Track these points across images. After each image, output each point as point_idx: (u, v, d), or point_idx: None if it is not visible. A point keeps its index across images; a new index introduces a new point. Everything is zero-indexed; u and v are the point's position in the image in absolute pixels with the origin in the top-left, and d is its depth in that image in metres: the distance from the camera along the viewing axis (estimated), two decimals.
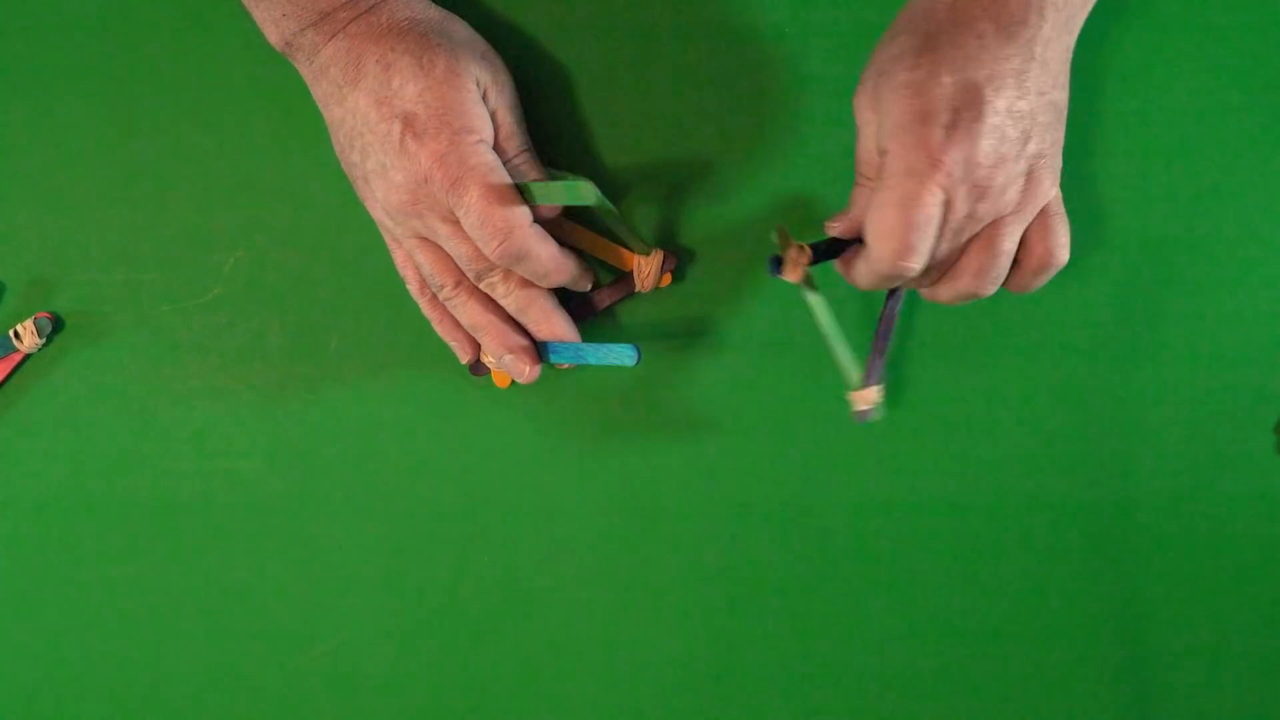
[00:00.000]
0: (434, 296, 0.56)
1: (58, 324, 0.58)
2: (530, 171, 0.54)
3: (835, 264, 0.55)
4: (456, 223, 0.51)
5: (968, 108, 0.47)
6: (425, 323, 0.58)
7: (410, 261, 0.55)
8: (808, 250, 0.51)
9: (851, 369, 0.54)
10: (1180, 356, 0.59)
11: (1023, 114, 0.48)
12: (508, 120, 0.53)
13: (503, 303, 0.54)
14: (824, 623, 0.59)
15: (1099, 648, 0.59)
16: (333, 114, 0.52)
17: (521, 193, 0.51)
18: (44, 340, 0.57)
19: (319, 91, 0.52)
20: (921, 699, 0.59)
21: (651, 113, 0.58)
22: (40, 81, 0.58)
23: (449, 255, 0.53)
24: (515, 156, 0.54)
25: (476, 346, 0.57)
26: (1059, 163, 0.51)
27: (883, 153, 0.49)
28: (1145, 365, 0.59)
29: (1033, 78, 0.49)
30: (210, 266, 0.58)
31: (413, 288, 0.56)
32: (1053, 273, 0.53)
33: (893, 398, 0.59)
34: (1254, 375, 0.59)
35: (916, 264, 0.48)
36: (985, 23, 0.48)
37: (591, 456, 0.59)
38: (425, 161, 0.49)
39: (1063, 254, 0.52)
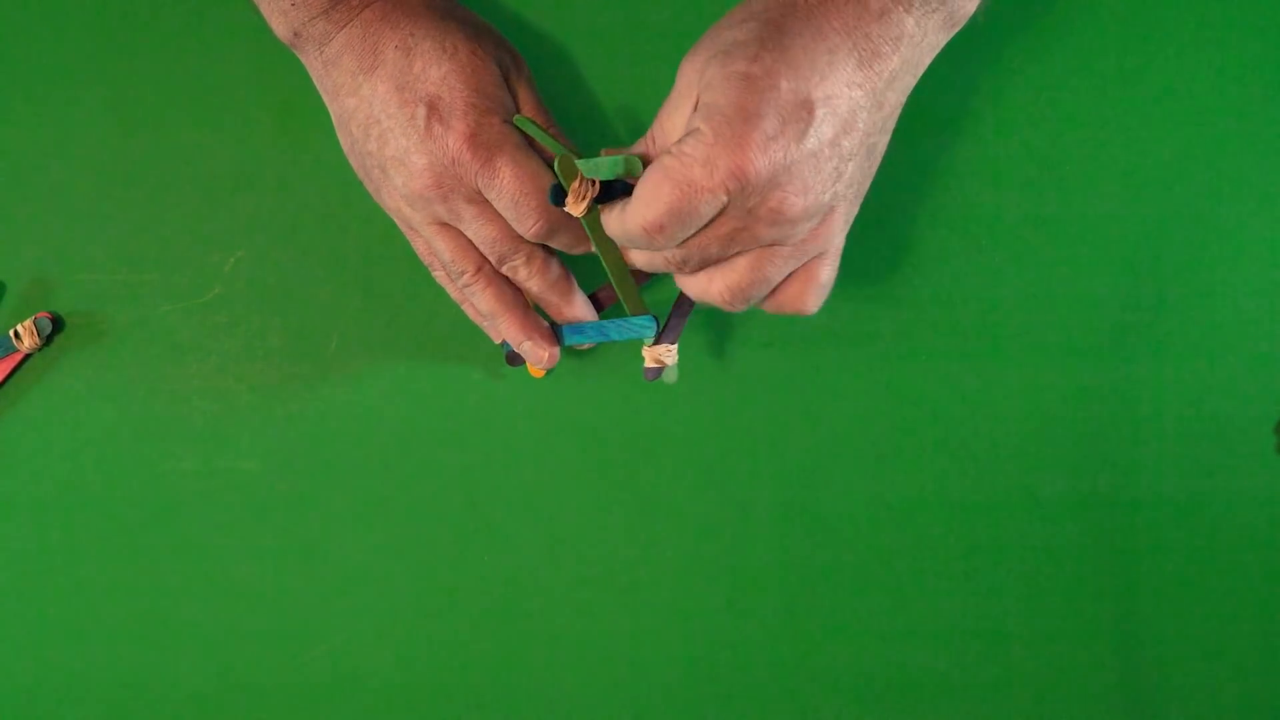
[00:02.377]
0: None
1: (58, 324, 0.58)
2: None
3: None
4: (482, 204, 0.51)
5: (794, 121, 0.43)
6: (425, 322, 0.58)
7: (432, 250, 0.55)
8: (596, 185, 0.49)
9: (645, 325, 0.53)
10: (1180, 356, 0.59)
11: (844, 151, 0.45)
12: (531, 100, 0.53)
13: (525, 286, 0.54)
14: (824, 622, 0.59)
15: (1099, 648, 0.59)
16: (345, 104, 0.52)
17: (561, 173, 0.50)
18: (44, 340, 0.57)
19: (328, 83, 0.52)
20: (921, 699, 0.59)
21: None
22: (40, 81, 0.58)
23: (468, 241, 0.53)
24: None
25: (514, 313, 0.55)
26: (855, 212, 0.49)
27: (692, 130, 0.44)
28: (1145, 365, 0.59)
29: (865, 116, 0.45)
30: (210, 266, 0.58)
31: (439, 274, 0.56)
32: (795, 314, 0.51)
33: (893, 397, 0.59)
34: (1254, 374, 0.59)
35: (662, 244, 0.46)
36: (841, 38, 0.44)
37: (591, 456, 0.59)
38: (453, 143, 0.49)
39: (814, 305, 0.50)
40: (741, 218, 0.45)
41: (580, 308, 0.55)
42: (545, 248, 0.53)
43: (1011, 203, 0.59)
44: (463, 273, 0.53)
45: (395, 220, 0.55)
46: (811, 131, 0.44)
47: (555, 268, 0.54)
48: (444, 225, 0.53)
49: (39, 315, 0.57)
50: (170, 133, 0.58)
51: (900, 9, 0.45)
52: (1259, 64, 0.58)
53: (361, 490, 0.58)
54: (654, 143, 0.49)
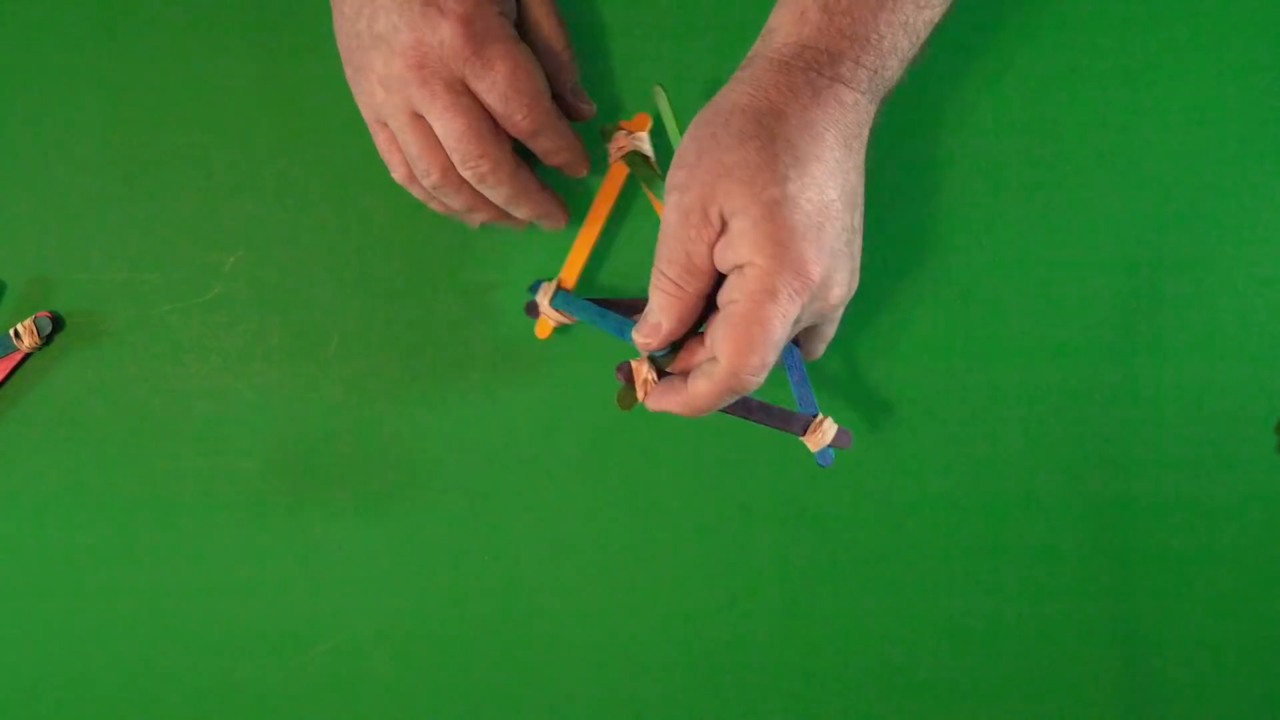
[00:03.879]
0: None
1: (58, 324, 0.58)
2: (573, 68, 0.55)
3: (657, 392, 0.51)
4: (458, 94, 0.50)
5: (827, 225, 0.46)
6: (425, 322, 0.58)
7: (395, 145, 0.53)
8: (653, 370, 0.51)
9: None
10: (1180, 356, 0.59)
11: (855, 226, 0.49)
12: (545, 6, 0.54)
13: (491, 193, 0.53)
14: (824, 622, 0.59)
15: (1099, 647, 0.59)
16: None
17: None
18: (44, 340, 0.57)
19: None
20: (921, 698, 0.59)
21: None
22: (40, 81, 0.58)
23: (438, 139, 0.52)
24: (562, 52, 0.54)
25: (489, 205, 0.55)
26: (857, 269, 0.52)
27: (743, 265, 0.46)
28: (1145, 364, 0.59)
29: (861, 190, 0.49)
30: (210, 266, 0.58)
31: (399, 173, 0.54)
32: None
33: (894, 397, 0.59)
34: (1254, 374, 0.59)
35: (762, 380, 0.47)
36: (832, 134, 0.47)
37: (592, 456, 0.59)
38: (447, 27, 0.49)
39: (820, 354, 0.55)
40: (803, 319, 0.48)
41: (553, 200, 0.55)
42: (514, 155, 0.52)
43: (1012, 203, 0.59)
44: (429, 172, 0.52)
45: (365, 113, 0.53)
46: (840, 226, 0.47)
47: (523, 172, 0.53)
48: (416, 117, 0.51)
49: (39, 315, 0.57)
50: (170, 133, 0.58)
51: (865, 98, 0.49)
52: (1259, 64, 0.58)
53: (361, 490, 0.58)
54: (687, 281, 0.48)
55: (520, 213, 0.54)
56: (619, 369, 0.52)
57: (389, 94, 0.51)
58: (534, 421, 0.59)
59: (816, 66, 0.48)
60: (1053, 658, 0.59)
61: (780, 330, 0.46)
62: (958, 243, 0.59)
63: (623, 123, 0.55)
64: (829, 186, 0.47)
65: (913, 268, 0.59)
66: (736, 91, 0.48)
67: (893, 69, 0.49)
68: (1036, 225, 0.59)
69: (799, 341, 0.54)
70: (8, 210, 0.58)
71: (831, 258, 0.47)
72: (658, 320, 0.49)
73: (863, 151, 0.49)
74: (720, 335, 0.46)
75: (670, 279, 0.48)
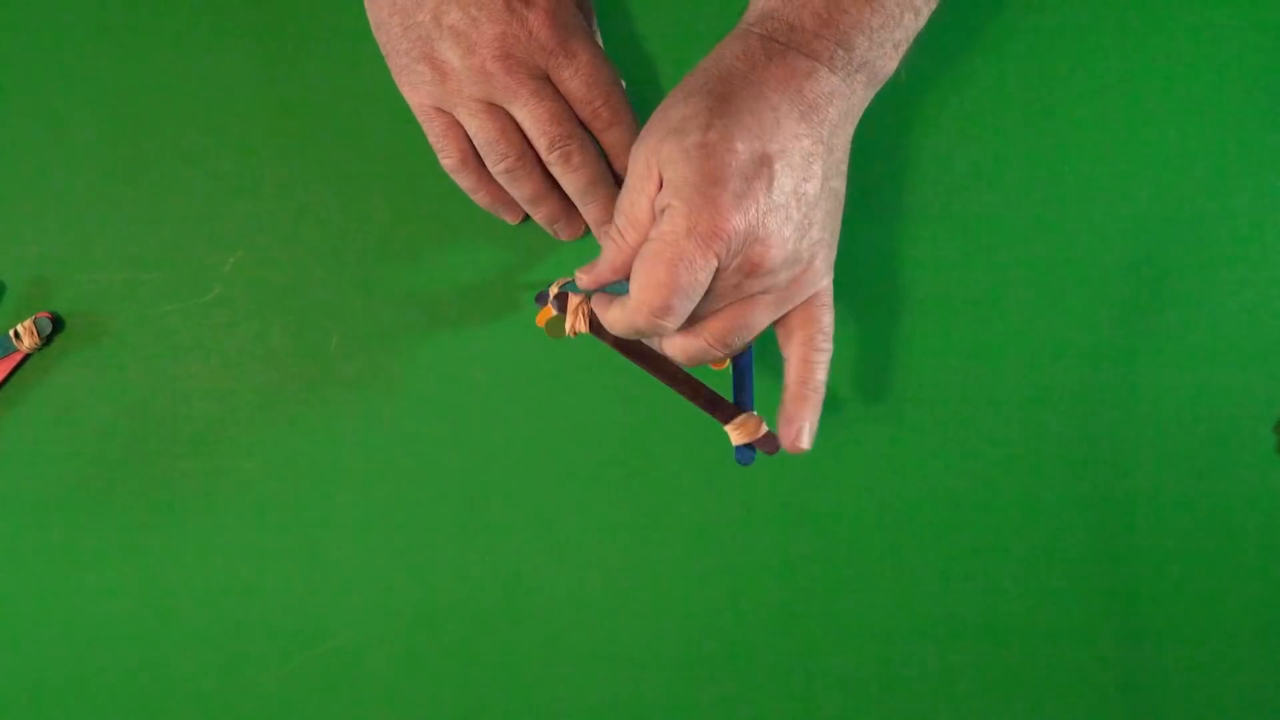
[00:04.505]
0: (478, 167, 0.55)
1: (58, 324, 0.58)
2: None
3: (593, 302, 0.53)
4: (542, 81, 0.52)
5: (757, 178, 0.46)
6: (425, 323, 0.58)
7: (453, 132, 0.54)
8: (586, 301, 0.53)
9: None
10: (1180, 356, 0.59)
11: (807, 197, 0.48)
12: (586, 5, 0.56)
13: (572, 177, 0.54)
14: (824, 622, 0.59)
15: (1099, 647, 0.59)
16: None
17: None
18: (44, 340, 0.57)
19: None
20: (921, 698, 0.59)
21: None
22: (40, 81, 0.58)
23: (514, 125, 0.53)
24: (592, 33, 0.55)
25: (554, 197, 0.56)
26: (834, 253, 0.51)
27: (664, 208, 0.47)
28: (1145, 365, 0.59)
29: (820, 163, 0.48)
30: (210, 266, 0.58)
31: (451, 160, 0.55)
32: (821, 359, 0.52)
33: (894, 397, 0.59)
34: (1254, 375, 0.59)
35: (672, 324, 0.48)
36: (780, 96, 0.47)
37: (592, 456, 0.59)
38: (534, 20, 0.51)
39: (825, 343, 0.52)
40: (728, 276, 0.48)
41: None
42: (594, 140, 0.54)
43: (1012, 203, 0.59)
44: (506, 156, 0.53)
45: (419, 101, 0.54)
46: (775, 184, 0.46)
47: (602, 161, 0.54)
48: (491, 106, 0.52)
49: (39, 315, 0.57)
50: (170, 133, 0.58)
51: (825, 69, 0.48)
52: (1259, 63, 0.58)
53: (361, 490, 0.58)
54: (627, 230, 0.49)
55: (593, 205, 0.55)
56: (553, 299, 0.54)
57: (462, 85, 0.52)
58: (534, 421, 0.59)
59: (774, 34, 0.48)
60: (1052, 657, 0.59)
61: (685, 275, 0.46)
62: (956, 242, 0.59)
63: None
64: (767, 141, 0.46)
65: (912, 268, 0.59)
66: (704, 58, 0.50)
67: (863, 47, 0.49)
68: (1036, 225, 0.59)
69: (778, 327, 0.53)
70: (8, 210, 0.58)
71: (762, 214, 0.46)
72: (597, 265, 0.51)
73: (825, 126, 0.48)
74: (635, 270, 0.48)
75: (616, 227, 0.50)
